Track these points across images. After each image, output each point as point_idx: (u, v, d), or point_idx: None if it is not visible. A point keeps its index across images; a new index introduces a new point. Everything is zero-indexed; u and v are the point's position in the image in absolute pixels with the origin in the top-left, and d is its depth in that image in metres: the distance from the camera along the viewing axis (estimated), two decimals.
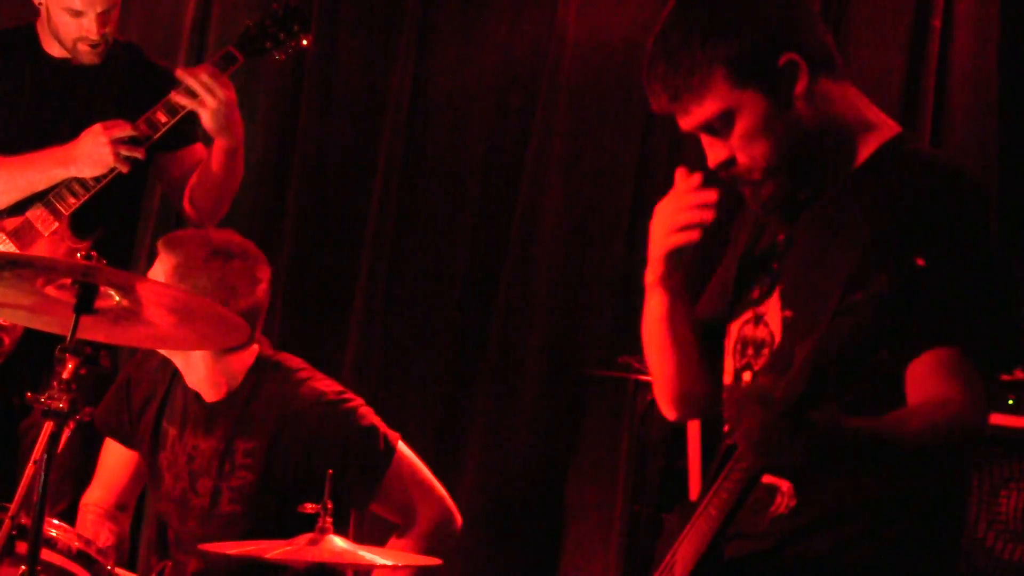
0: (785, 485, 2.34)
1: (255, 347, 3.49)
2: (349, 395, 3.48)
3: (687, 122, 2.36)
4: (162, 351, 3.47)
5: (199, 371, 3.46)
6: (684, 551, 2.29)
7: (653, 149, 5.13)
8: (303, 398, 3.42)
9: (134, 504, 3.74)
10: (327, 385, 3.48)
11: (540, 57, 5.20)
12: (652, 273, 2.50)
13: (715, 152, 2.37)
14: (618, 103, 5.13)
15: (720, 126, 2.33)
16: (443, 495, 3.49)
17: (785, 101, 2.30)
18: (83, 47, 3.92)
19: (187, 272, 3.38)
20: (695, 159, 2.49)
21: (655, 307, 2.53)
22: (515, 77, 5.25)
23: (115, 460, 3.65)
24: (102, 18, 3.87)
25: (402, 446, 3.46)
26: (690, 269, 2.49)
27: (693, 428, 3.22)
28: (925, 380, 2.25)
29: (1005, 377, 3.82)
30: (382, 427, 3.45)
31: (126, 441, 3.63)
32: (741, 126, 2.31)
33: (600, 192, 5.15)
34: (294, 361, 3.53)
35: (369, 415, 3.44)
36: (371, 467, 3.39)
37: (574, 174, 5.16)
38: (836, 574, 2.30)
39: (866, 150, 2.36)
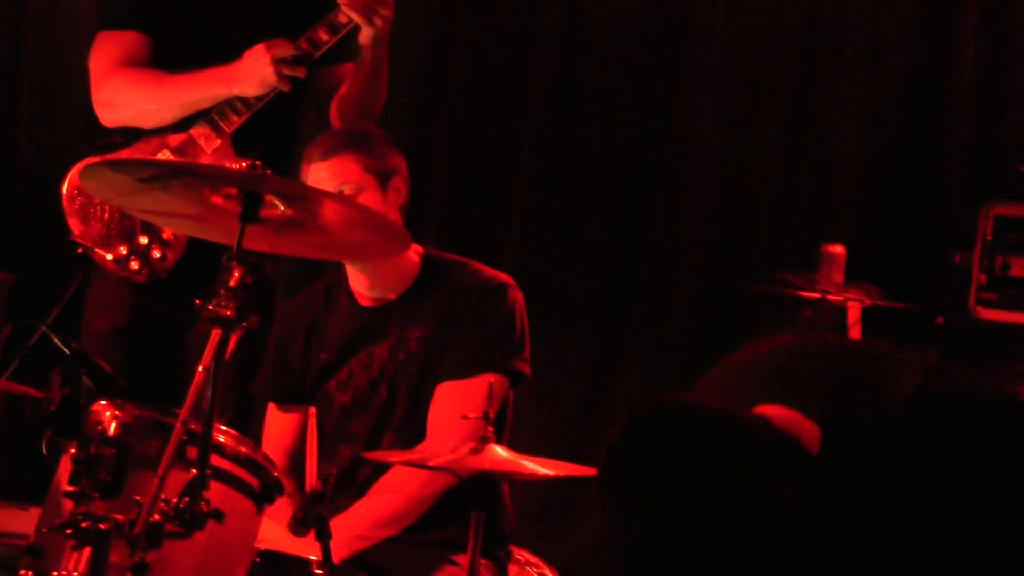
0: None
1: (417, 247, 3.55)
2: (517, 290, 3.54)
3: None
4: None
5: (372, 275, 3.52)
6: None
7: (812, 64, 5.04)
8: (467, 281, 3.51)
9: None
10: (495, 273, 3.57)
11: None
12: None
13: None
14: (776, 17, 5.04)
15: None
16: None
17: None
18: None
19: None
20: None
21: None
22: None
23: (278, 426, 3.68)
24: None
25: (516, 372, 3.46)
26: None
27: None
28: None
29: None
30: (527, 343, 3.48)
31: (293, 399, 3.65)
32: None
33: (758, 105, 5.08)
34: (461, 258, 3.62)
35: (526, 322, 3.49)
36: (488, 351, 3.39)
37: (731, 91, 5.09)
38: None
39: None
